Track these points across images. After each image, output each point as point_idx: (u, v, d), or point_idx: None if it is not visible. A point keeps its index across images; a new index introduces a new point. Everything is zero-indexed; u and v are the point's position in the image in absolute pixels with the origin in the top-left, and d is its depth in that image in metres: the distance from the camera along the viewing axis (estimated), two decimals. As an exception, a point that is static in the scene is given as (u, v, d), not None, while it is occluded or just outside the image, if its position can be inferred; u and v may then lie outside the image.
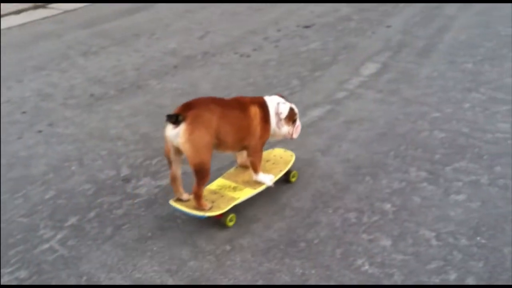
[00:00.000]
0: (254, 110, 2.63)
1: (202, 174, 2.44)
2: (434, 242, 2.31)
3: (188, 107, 2.44)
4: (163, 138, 2.51)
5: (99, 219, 2.63)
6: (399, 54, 4.56)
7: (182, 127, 2.38)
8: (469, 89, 3.86)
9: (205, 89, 4.15)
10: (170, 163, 2.52)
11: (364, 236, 2.38)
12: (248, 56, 4.75)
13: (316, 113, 3.67)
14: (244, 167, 2.84)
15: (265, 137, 2.68)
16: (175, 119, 2.37)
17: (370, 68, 4.33)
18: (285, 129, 2.73)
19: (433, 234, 2.36)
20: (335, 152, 3.17)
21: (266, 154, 2.90)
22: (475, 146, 3.14)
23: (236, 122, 2.56)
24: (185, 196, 2.57)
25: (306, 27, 5.35)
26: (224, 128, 2.50)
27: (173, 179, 2.54)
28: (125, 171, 3.09)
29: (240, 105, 2.62)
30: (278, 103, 2.68)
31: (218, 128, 2.47)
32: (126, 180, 2.99)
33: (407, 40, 4.83)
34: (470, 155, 3.05)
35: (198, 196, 2.48)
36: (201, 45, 5.05)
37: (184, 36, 5.30)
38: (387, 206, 2.60)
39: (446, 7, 5.59)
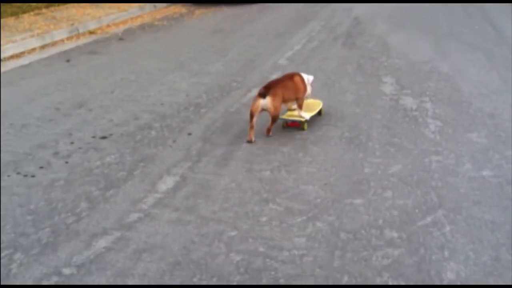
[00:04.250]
0: (297, 79, 5.04)
1: (275, 119, 4.85)
2: None
3: (267, 88, 4.74)
4: None
5: None
6: (199, 164, 4.40)
7: (268, 98, 4.69)
8: (266, 200, 3.77)
9: (-27, 223, 3.52)
10: (252, 117, 4.76)
11: None
12: (33, 176, 4.23)
13: (102, 243, 3.26)
14: (290, 110, 5.24)
15: (305, 92, 5.10)
16: (264, 95, 4.67)
17: (167, 183, 4.07)
18: (310, 88, 5.22)
19: None
20: (121, 293, 2.77)
21: (308, 102, 5.38)
22: (271, 268, 2.98)
23: (290, 87, 4.93)
24: (251, 137, 4.84)
25: (103, 137, 5.00)
26: (286, 93, 4.86)
27: (252, 127, 4.77)
28: None
29: (289, 77, 5.02)
30: (307, 76, 5.18)
31: (283, 94, 4.82)
32: None
33: (207, 148, 4.72)
34: (266, 280, 2.87)
35: (269, 130, 4.95)
36: (-23, 166, 4.41)
37: (-42, 155, 4.61)
38: None
39: (247, 113, 5.65)
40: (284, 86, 4.89)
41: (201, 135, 5.06)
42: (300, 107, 5.07)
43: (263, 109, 4.79)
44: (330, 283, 2.85)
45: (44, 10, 11.55)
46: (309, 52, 8.29)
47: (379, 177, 4.09)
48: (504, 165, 4.26)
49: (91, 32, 10.23)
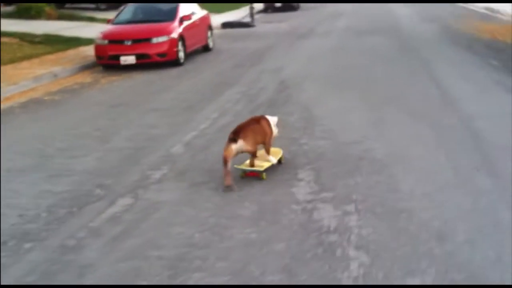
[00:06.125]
0: (263, 122, 5.06)
1: (254, 155, 4.91)
2: None
3: (236, 132, 4.78)
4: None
5: None
6: None
7: (240, 141, 4.72)
8: None
9: None
10: (225, 163, 4.65)
11: None
12: None
13: None
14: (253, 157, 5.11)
15: (271, 135, 5.08)
16: (235, 140, 4.71)
17: None
18: (276, 129, 5.19)
19: None
20: None
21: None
22: None
23: (257, 131, 4.95)
24: (230, 182, 4.70)
25: None
26: (254, 136, 4.87)
27: (227, 173, 4.65)
28: None
29: (256, 121, 5.07)
30: (272, 118, 5.21)
31: (252, 136, 4.86)
32: None
33: None
34: None
35: (252, 164, 4.96)
36: None
37: None
38: None
39: (91, 246, 3.82)
40: (252, 129, 4.91)
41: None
42: (267, 151, 5.07)
43: (238, 153, 4.81)
44: None
45: None
46: (215, 133, 6.58)
47: None
48: None
49: (-43, 115, 8.28)
